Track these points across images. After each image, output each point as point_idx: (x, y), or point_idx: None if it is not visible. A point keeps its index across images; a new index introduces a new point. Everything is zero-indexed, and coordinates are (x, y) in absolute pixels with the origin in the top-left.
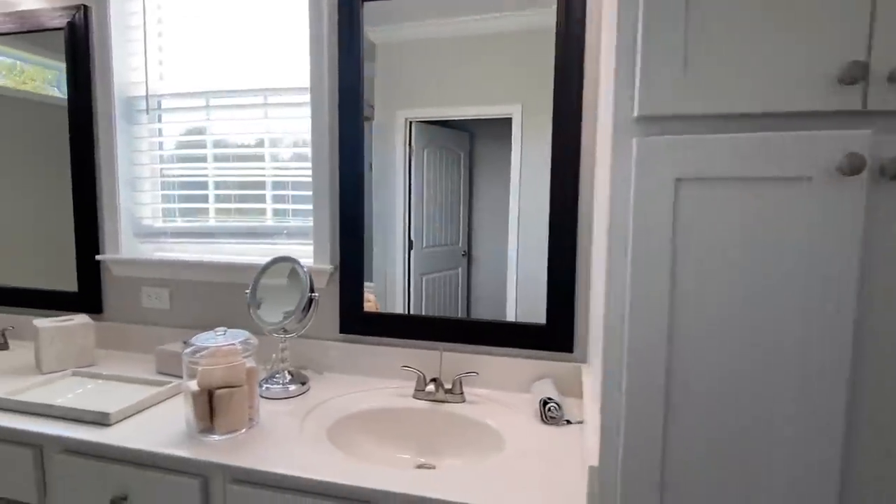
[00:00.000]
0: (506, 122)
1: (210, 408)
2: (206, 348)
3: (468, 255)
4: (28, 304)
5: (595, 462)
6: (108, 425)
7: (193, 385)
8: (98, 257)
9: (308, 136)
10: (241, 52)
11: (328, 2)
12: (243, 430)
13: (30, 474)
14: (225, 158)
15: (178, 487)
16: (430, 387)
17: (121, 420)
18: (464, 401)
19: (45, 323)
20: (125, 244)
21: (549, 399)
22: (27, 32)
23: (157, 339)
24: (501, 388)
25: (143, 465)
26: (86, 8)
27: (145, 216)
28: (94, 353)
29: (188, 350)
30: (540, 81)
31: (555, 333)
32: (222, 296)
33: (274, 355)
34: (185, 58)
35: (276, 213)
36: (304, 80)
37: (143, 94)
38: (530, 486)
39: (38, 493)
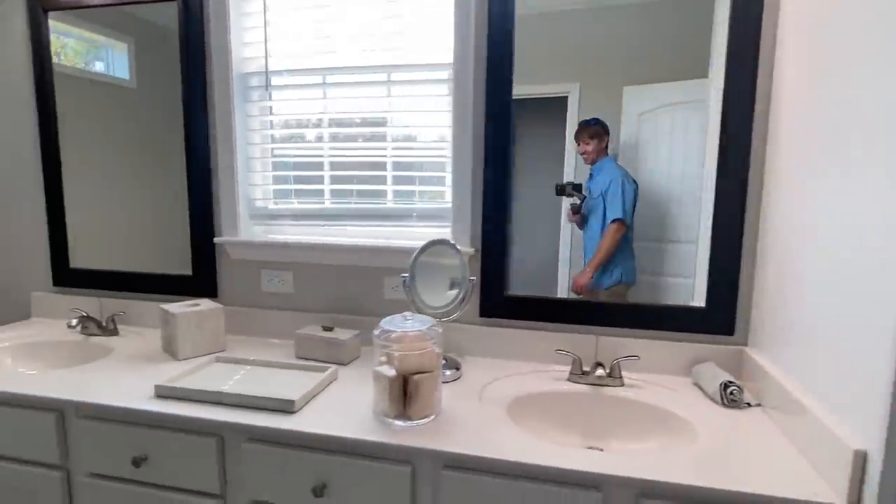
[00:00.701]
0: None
1: (403, 393)
2: (393, 332)
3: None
4: (138, 289)
5: (861, 446)
6: (292, 413)
7: (387, 370)
8: (216, 240)
9: (437, 116)
10: (363, 27)
11: None
12: (433, 416)
13: (212, 464)
14: (342, 138)
15: (385, 474)
16: (599, 370)
17: (302, 407)
18: (622, 384)
19: (177, 308)
20: (242, 227)
21: (731, 382)
22: (136, 3)
23: (281, 323)
24: (657, 371)
25: (343, 453)
26: None
27: (257, 198)
28: (225, 338)
29: (378, 334)
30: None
31: (715, 316)
32: (350, 279)
33: None
34: (301, 33)
35: (397, 194)
36: (435, 56)
37: (256, 70)
38: (760, 469)
39: (220, 483)
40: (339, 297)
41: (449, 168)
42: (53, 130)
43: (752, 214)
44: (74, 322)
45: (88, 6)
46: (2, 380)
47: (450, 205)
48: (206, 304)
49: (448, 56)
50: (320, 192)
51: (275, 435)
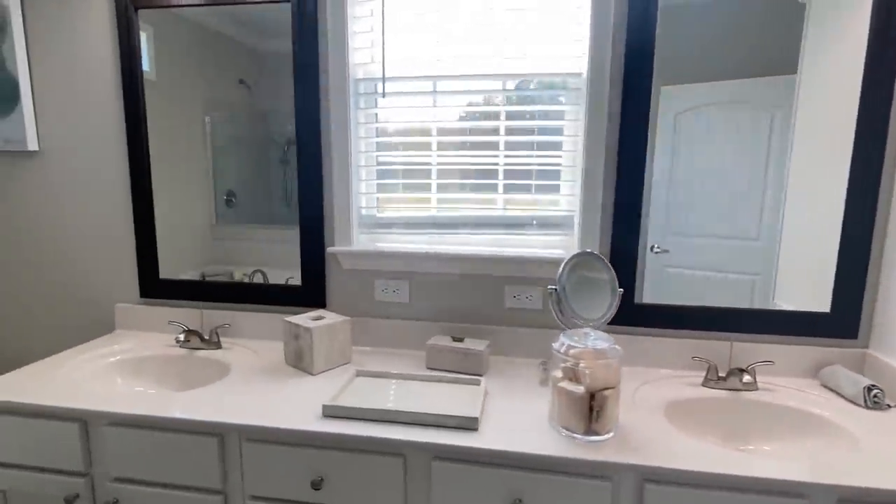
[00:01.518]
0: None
1: (589, 408)
2: (579, 347)
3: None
4: (235, 300)
5: None
6: (474, 430)
7: (573, 387)
8: (330, 250)
9: (553, 123)
10: (476, 34)
11: None
12: (612, 431)
13: (396, 484)
14: (450, 145)
15: (582, 489)
16: (736, 375)
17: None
18: (757, 388)
19: (309, 321)
20: (351, 237)
21: (874, 385)
22: (244, 3)
23: (397, 333)
24: (783, 374)
25: (534, 469)
26: None
27: (362, 206)
28: (351, 350)
29: (561, 348)
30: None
31: (840, 320)
32: (467, 288)
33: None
34: (412, 39)
35: (508, 202)
36: (553, 65)
37: (363, 77)
38: None
39: (405, 500)
40: (455, 306)
41: (564, 176)
42: (143, 133)
43: (880, 220)
44: (182, 336)
45: (186, 5)
46: (144, 402)
47: (567, 212)
48: (331, 316)
49: (565, 65)
50: (426, 200)
51: (465, 453)
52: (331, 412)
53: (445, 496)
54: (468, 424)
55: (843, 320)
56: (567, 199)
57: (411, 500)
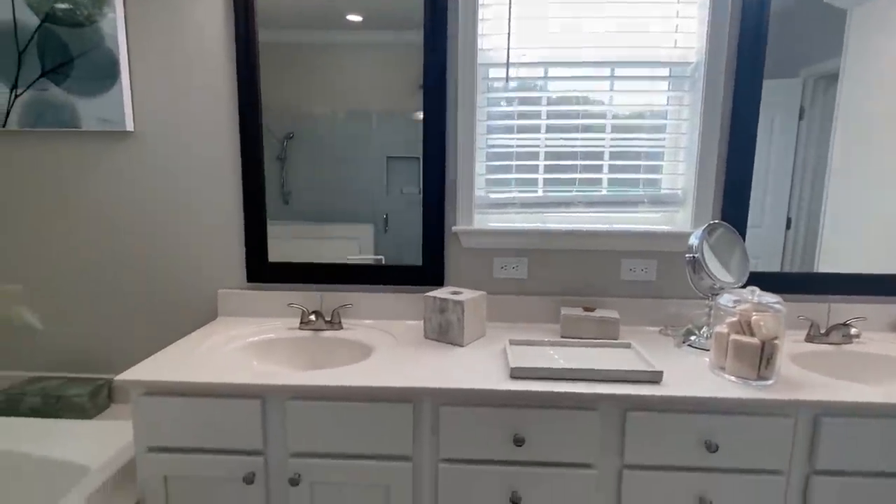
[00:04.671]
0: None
1: (759, 357)
2: (747, 302)
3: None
4: (358, 281)
5: None
6: (657, 383)
7: (747, 338)
8: (455, 229)
9: (660, 108)
10: (588, 21)
11: None
12: (776, 377)
13: (592, 435)
14: (558, 129)
15: (767, 426)
16: (840, 331)
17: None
18: (858, 341)
19: (457, 295)
20: (472, 216)
21: None
22: None
23: (519, 307)
24: (873, 330)
25: (722, 412)
26: None
27: (480, 187)
28: (485, 323)
29: (730, 305)
30: None
31: None
32: (583, 263)
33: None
34: (527, 26)
35: (612, 182)
36: (661, 55)
37: (482, 62)
38: None
39: (599, 450)
40: (571, 280)
41: (669, 156)
42: (257, 103)
43: None
44: (313, 317)
45: None
46: (317, 377)
47: (671, 190)
48: (466, 291)
49: (669, 53)
50: (534, 182)
51: (659, 402)
52: (519, 373)
53: (639, 444)
54: (654, 378)
55: None
56: (672, 178)
57: (606, 450)
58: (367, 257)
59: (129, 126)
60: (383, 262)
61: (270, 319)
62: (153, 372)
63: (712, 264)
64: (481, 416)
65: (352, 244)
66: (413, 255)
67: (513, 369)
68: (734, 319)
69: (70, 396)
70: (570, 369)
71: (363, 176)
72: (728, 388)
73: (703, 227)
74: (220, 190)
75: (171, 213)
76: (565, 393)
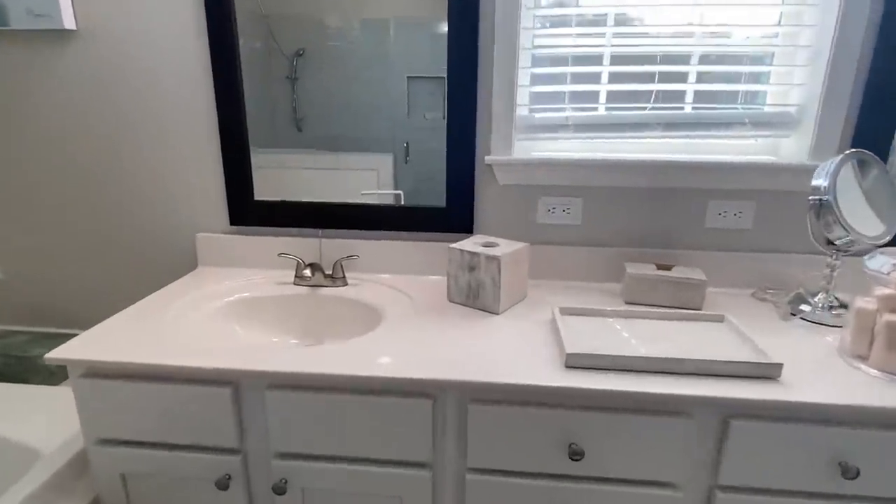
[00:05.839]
0: None
1: None
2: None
3: None
4: (363, 226)
5: None
6: (775, 379)
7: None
8: (489, 159)
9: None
10: None
11: None
12: None
13: (679, 447)
14: (631, 21)
15: None
16: None
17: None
18: None
19: (487, 249)
20: (512, 143)
21: None
22: None
23: (570, 261)
24: None
25: (869, 425)
26: None
27: (523, 104)
28: (527, 283)
29: (881, 267)
30: None
31: None
32: (655, 205)
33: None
34: None
35: (699, 97)
36: None
37: None
38: None
39: (688, 470)
40: (639, 227)
41: (778, 59)
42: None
43: None
44: (308, 272)
45: None
46: (305, 358)
47: (783, 108)
48: (503, 242)
49: None
50: (594, 96)
51: (781, 408)
52: (578, 361)
53: (743, 461)
54: (771, 373)
55: None
56: (782, 91)
57: (697, 466)
58: (384, 191)
59: (69, 23)
60: (402, 199)
61: (259, 271)
62: (97, 347)
63: (847, 209)
64: (525, 418)
65: (369, 177)
66: (436, 195)
67: (569, 356)
68: (890, 292)
69: (34, 357)
70: (651, 359)
71: (382, 99)
72: (878, 390)
73: (836, 158)
74: (191, 109)
75: (134, 137)
76: (648, 394)
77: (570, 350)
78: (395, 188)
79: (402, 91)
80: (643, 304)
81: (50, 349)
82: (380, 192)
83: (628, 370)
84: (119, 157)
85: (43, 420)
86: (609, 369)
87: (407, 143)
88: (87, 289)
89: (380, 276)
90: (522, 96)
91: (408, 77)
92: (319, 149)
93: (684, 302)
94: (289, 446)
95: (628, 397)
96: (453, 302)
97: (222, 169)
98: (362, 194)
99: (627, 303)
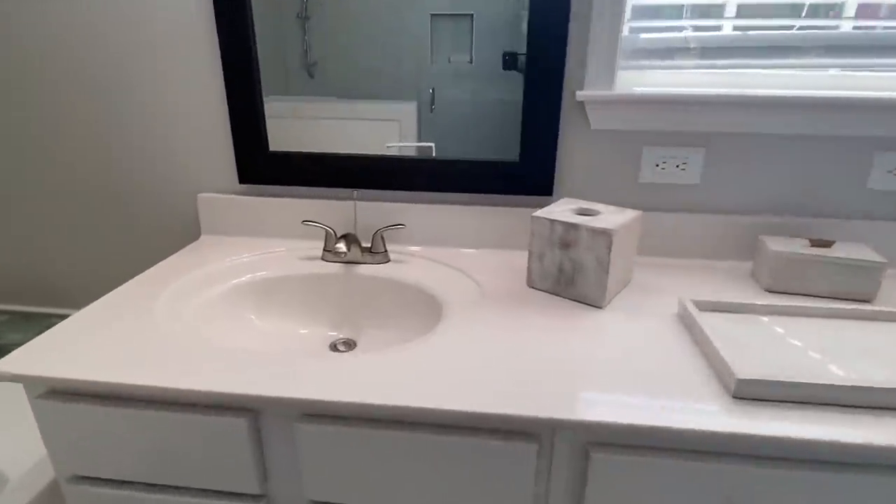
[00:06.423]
0: None
1: None
2: None
3: None
4: (406, 186)
5: None
6: None
7: None
8: (581, 94)
9: None
10: None
11: None
12: None
13: None
14: None
15: None
16: None
17: None
18: None
19: (589, 220)
20: (614, 73)
21: None
22: None
23: (685, 233)
24: None
25: None
26: None
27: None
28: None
29: None
30: None
31: None
32: (799, 159)
33: None
34: None
35: (862, 12)
36: None
37: None
38: None
39: None
40: (780, 189)
41: None
42: None
43: None
44: (342, 245)
45: None
46: (337, 375)
47: None
48: (604, 209)
49: None
50: (720, 10)
51: None
52: (754, 391)
53: None
54: None
55: None
56: None
57: None
58: (411, 144)
59: None
60: (433, 151)
61: (279, 241)
62: (59, 357)
63: None
64: (671, 472)
65: (391, 128)
66: (469, 147)
67: (740, 382)
68: None
69: (9, 346)
70: (877, 389)
71: (403, 40)
72: None
73: None
74: (189, 36)
75: (124, 76)
76: (873, 447)
77: (741, 375)
78: (421, 140)
79: (426, 31)
80: (789, 293)
81: (27, 334)
82: (410, 143)
83: (822, 403)
84: (108, 100)
85: (9, 436)
86: (795, 402)
87: (433, 90)
88: (71, 260)
89: (431, 251)
90: (625, 10)
91: (431, 15)
92: (334, 96)
93: (849, 291)
94: (328, 494)
95: (841, 449)
96: (535, 288)
97: (227, 110)
98: (387, 147)
99: (768, 290)
